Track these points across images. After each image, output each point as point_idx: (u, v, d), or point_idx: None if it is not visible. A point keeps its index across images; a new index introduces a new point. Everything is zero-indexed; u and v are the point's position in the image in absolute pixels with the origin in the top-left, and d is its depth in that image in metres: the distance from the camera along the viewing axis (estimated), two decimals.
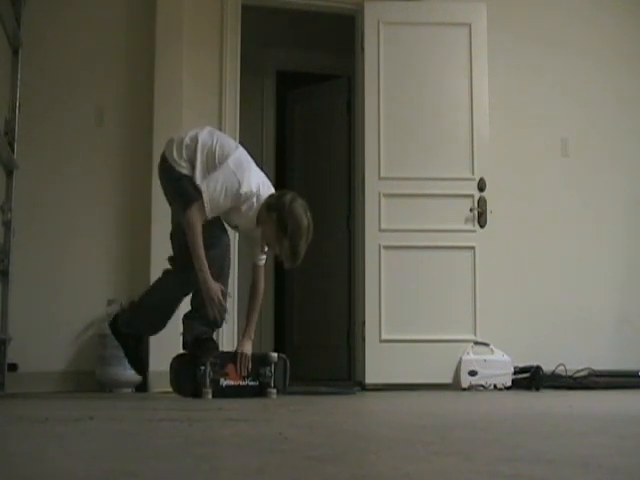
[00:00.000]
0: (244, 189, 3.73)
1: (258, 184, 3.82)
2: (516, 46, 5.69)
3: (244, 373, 4.01)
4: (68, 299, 4.91)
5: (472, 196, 5.30)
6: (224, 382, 3.98)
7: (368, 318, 5.19)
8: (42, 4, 5.01)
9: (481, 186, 5.30)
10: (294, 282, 6.69)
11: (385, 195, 5.28)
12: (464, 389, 5.01)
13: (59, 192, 4.98)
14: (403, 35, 5.39)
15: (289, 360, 4.17)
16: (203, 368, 3.89)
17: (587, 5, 5.87)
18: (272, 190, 3.94)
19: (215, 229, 3.85)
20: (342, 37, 5.88)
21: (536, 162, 5.66)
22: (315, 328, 6.57)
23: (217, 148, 3.83)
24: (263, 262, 4.11)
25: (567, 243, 5.64)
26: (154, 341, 4.80)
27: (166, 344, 4.81)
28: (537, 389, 4.96)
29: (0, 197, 4.75)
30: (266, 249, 4.02)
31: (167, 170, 3.88)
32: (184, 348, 4.02)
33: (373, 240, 5.25)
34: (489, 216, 5.28)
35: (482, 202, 5.29)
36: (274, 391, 4.04)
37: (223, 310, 3.85)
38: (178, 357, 4.03)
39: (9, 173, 4.80)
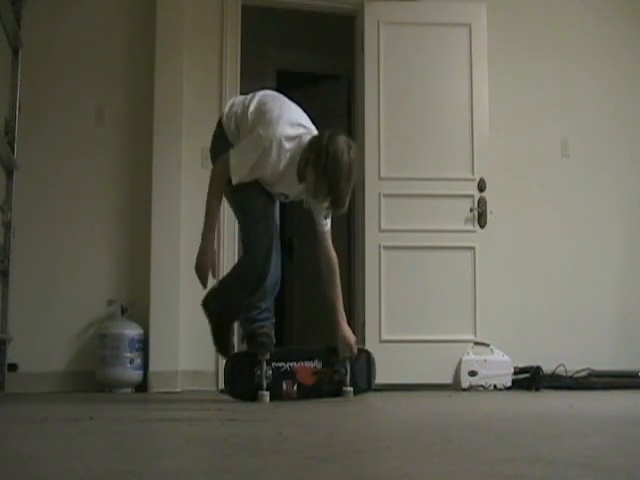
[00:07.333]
0: (262, 131, 3.47)
1: (284, 125, 3.53)
2: (516, 46, 5.68)
3: (353, 356, 3.71)
4: (68, 299, 4.90)
5: (472, 196, 5.30)
6: (287, 385, 3.70)
7: (368, 318, 5.18)
8: (42, 4, 5.01)
9: (481, 186, 5.30)
10: (294, 282, 6.68)
11: (385, 195, 5.27)
12: (464, 389, 5.00)
13: (59, 192, 4.98)
14: (403, 35, 5.38)
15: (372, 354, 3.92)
16: (260, 369, 3.62)
17: (587, 6, 5.86)
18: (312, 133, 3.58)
19: (257, 198, 3.55)
20: (342, 37, 5.87)
21: (536, 162, 5.66)
22: (315, 328, 6.55)
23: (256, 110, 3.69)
24: (328, 227, 3.75)
25: (567, 243, 5.64)
26: (154, 342, 4.82)
27: (166, 344, 4.83)
28: (537, 389, 4.96)
29: (0, 197, 4.75)
30: (328, 217, 3.71)
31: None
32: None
33: (373, 240, 5.25)
34: (489, 216, 5.28)
35: (482, 202, 5.29)
36: (350, 390, 3.73)
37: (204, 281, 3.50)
38: (234, 356, 3.73)
39: (9, 173, 4.81)
